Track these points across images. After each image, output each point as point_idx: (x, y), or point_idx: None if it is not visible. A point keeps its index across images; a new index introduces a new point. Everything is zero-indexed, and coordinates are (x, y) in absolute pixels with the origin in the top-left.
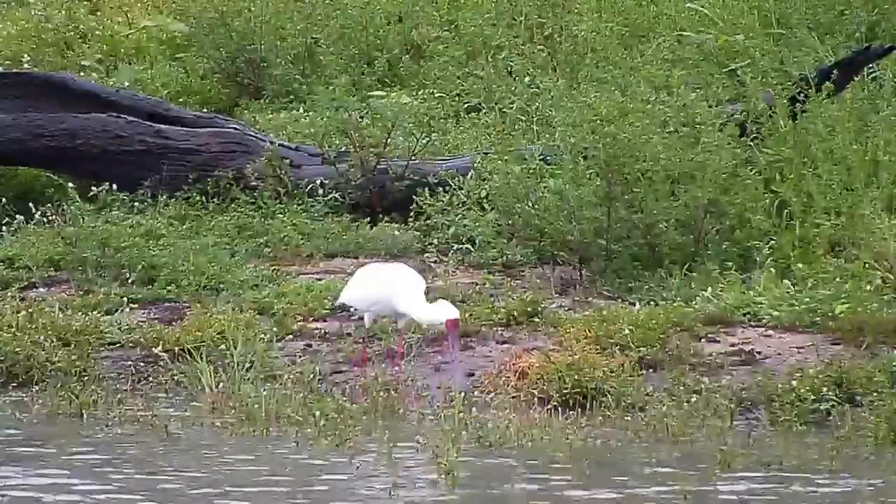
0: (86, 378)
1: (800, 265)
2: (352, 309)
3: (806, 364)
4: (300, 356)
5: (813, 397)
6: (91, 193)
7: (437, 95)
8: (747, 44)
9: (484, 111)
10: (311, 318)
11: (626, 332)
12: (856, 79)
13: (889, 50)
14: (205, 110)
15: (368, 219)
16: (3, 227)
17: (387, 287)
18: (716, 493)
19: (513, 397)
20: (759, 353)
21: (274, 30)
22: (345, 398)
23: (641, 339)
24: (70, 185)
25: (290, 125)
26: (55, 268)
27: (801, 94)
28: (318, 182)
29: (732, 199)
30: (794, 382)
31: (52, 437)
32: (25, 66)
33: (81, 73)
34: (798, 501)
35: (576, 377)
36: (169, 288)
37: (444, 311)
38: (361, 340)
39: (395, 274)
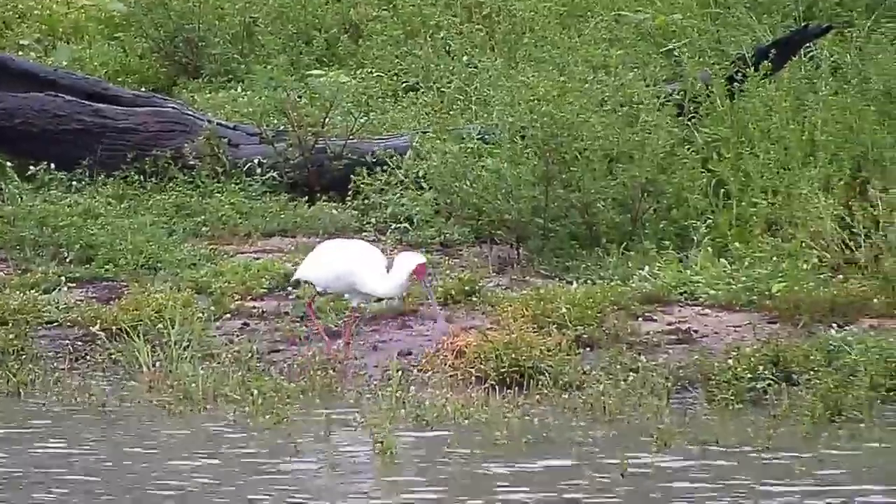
0: (23, 357)
1: (737, 244)
2: (308, 285)
3: (743, 343)
4: (238, 335)
5: (749, 376)
6: (29, 173)
7: (375, 75)
8: (685, 23)
9: (422, 90)
10: (249, 297)
11: (564, 310)
12: (793, 58)
13: (826, 29)
14: (143, 90)
15: (306, 198)
16: None
17: (348, 264)
18: (653, 471)
19: (450, 376)
20: (695, 331)
21: (212, 9)
22: (282, 377)
23: (579, 317)
24: (8, 164)
25: (229, 104)
26: None
27: (739, 74)
28: (256, 161)
29: (670, 178)
30: (730, 361)
31: None
32: None
33: (20, 53)
34: (734, 479)
35: (513, 356)
36: (107, 267)
37: (406, 263)
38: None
39: (356, 251)
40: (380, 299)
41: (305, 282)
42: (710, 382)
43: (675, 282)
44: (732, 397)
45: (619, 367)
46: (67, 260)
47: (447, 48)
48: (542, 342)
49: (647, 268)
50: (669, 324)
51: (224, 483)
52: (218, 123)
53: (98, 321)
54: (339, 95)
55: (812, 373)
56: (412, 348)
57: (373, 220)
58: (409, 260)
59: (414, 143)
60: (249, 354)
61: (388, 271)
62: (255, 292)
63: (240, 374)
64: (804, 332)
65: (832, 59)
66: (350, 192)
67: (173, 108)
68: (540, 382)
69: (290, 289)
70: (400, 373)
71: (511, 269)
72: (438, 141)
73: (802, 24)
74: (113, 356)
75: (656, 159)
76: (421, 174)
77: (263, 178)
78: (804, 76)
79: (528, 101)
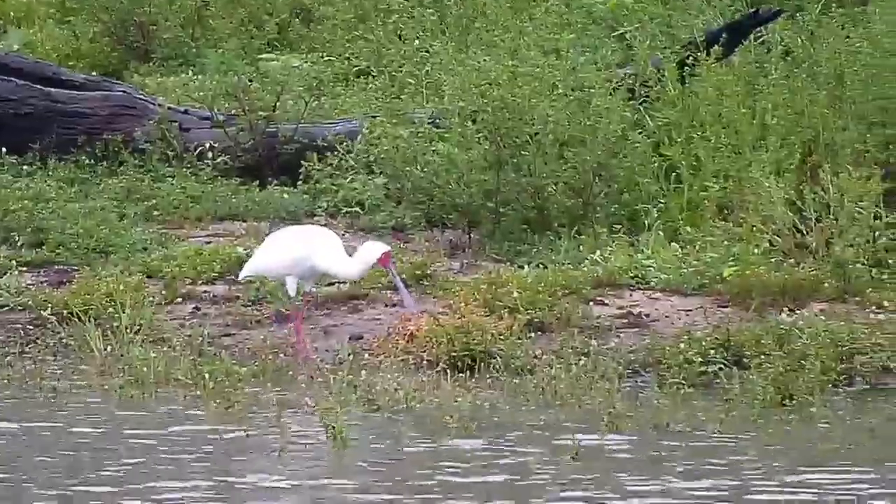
0: None
1: (688, 228)
2: (263, 278)
3: (694, 327)
4: (189, 319)
5: (701, 360)
6: None
7: (326, 59)
8: (636, 7)
9: (373, 75)
10: (200, 281)
11: (515, 295)
12: (744, 43)
13: (777, 14)
14: (94, 74)
15: (257, 182)
16: None
17: (305, 247)
18: (604, 454)
19: (402, 360)
20: (647, 315)
21: None
22: (234, 361)
23: (530, 301)
24: None
25: (180, 88)
26: None
27: (690, 58)
28: (207, 145)
29: (621, 162)
30: (681, 345)
31: None
32: None
33: None
34: (685, 463)
35: (464, 340)
36: (58, 251)
37: (371, 254)
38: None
39: (309, 234)
40: (334, 282)
41: (261, 276)
42: (661, 366)
43: (626, 266)
44: (683, 381)
45: (570, 351)
46: (18, 244)
47: (398, 32)
48: (493, 326)
49: (598, 252)
50: (621, 308)
51: (169, 465)
52: (169, 107)
53: (49, 305)
54: (291, 79)
55: (763, 357)
56: (363, 332)
57: (324, 205)
58: (375, 248)
59: (365, 128)
60: (200, 338)
61: (346, 254)
62: (207, 276)
63: (191, 358)
64: (755, 317)
65: (783, 43)
66: (301, 177)
67: (124, 92)
68: (491, 366)
69: (239, 285)
70: (351, 357)
71: (462, 254)
72: (389, 125)
73: (753, 9)
74: (64, 340)
75: (608, 143)
76: (372, 159)
77: (214, 162)
78: (755, 60)
79: (479, 85)
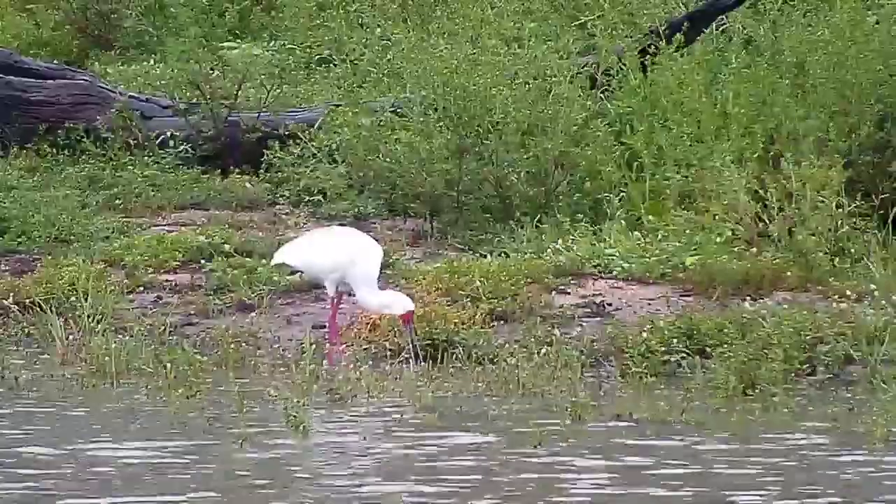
0: None
1: (650, 217)
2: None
3: (656, 316)
4: (151, 308)
5: (663, 349)
6: None
7: (287, 47)
8: None
9: (335, 63)
10: (162, 270)
11: (478, 283)
12: (706, 31)
13: (738, 3)
14: (55, 62)
15: (219, 171)
16: None
17: (346, 256)
18: (567, 443)
19: (364, 349)
20: (609, 304)
21: None
22: (196, 350)
23: (492, 290)
24: None
25: (141, 77)
26: None
27: (652, 47)
28: (168, 134)
29: (583, 151)
30: (644, 334)
31: None
32: None
33: None
34: (648, 451)
35: (427, 329)
36: (19, 240)
37: (398, 304)
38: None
39: (355, 246)
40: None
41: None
42: (623, 356)
43: (588, 255)
44: (646, 370)
45: (532, 340)
46: None
47: (360, 20)
48: (455, 315)
49: (560, 241)
50: (583, 297)
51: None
52: (130, 96)
53: (11, 294)
54: (252, 68)
55: (726, 346)
56: (326, 322)
57: (286, 193)
58: (403, 303)
59: (326, 116)
60: (163, 327)
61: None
62: (169, 265)
63: (153, 347)
64: (718, 305)
65: (745, 31)
66: (263, 165)
67: (86, 80)
68: (454, 355)
69: (272, 267)
70: (314, 346)
71: (424, 243)
72: (351, 114)
73: None
74: (26, 329)
75: (569, 132)
76: (334, 147)
77: (176, 150)
78: (717, 49)
79: (441, 73)
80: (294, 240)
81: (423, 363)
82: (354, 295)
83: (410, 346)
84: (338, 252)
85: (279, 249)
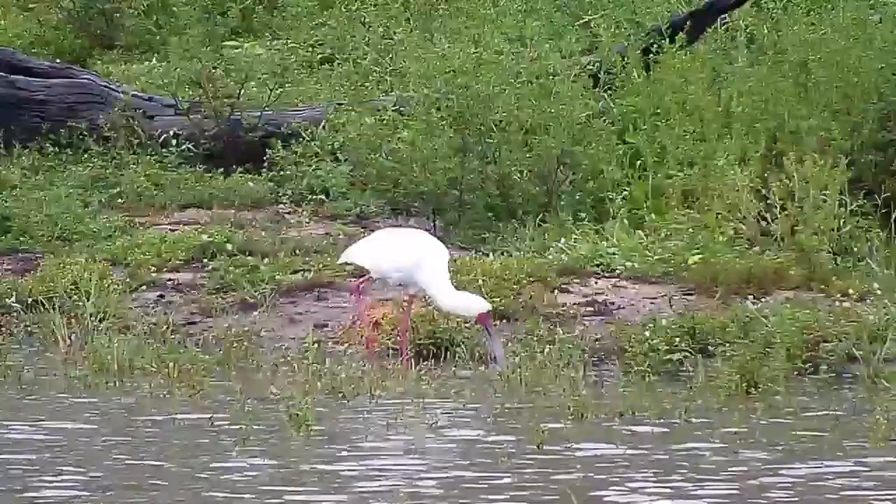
0: None
1: (653, 216)
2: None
3: (659, 315)
4: (153, 307)
5: (666, 348)
6: None
7: (290, 46)
8: None
9: (338, 62)
10: (165, 269)
11: (480, 282)
12: (709, 30)
13: (741, 1)
14: (58, 61)
15: (222, 170)
16: None
17: (412, 259)
18: (569, 443)
19: (367, 348)
20: (612, 303)
21: None
22: (198, 349)
23: (495, 289)
24: None
25: (144, 76)
26: None
27: (655, 45)
28: (171, 133)
29: (586, 149)
30: (647, 333)
31: None
32: None
33: None
34: (651, 451)
35: (429, 328)
36: (22, 238)
37: (474, 304)
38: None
39: (420, 247)
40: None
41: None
42: (626, 354)
43: (591, 254)
44: (649, 369)
45: (535, 339)
46: None
47: (362, 19)
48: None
49: (563, 240)
50: (586, 296)
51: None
52: (133, 95)
53: (13, 293)
54: (255, 67)
55: (728, 345)
56: (328, 320)
57: (288, 192)
58: (478, 304)
59: (329, 115)
60: (165, 326)
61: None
62: (171, 264)
63: (155, 346)
64: (720, 304)
65: (748, 30)
66: (265, 164)
67: (88, 79)
68: (456, 354)
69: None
70: (316, 345)
71: None
72: (354, 113)
73: None
74: (29, 328)
75: (572, 131)
76: (336, 146)
77: (179, 149)
78: (720, 48)
79: (443, 72)
80: (362, 239)
81: (507, 366)
82: (428, 297)
83: (493, 344)
84: (403, 253)
85: (347, 248)
